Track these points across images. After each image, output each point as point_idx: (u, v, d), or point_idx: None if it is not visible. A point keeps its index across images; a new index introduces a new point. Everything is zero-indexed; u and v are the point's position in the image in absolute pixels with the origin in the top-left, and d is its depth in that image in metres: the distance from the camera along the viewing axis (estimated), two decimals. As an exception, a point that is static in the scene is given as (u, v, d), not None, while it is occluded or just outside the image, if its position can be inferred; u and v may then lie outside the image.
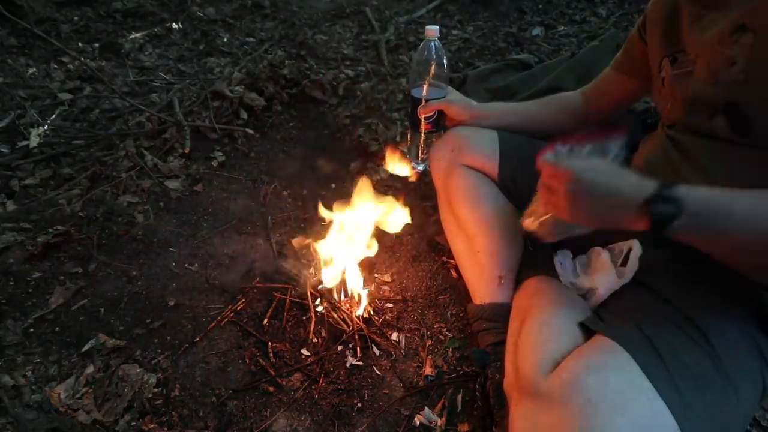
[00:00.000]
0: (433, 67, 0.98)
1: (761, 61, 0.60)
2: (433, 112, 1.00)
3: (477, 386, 0.90)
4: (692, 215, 0.54)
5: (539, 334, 0.71)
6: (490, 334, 0.91)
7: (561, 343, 0.67)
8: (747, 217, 0.54)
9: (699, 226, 0.55)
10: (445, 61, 0.98)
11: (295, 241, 1.26)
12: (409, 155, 1.12)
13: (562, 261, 0.86)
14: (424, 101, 0.99)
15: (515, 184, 0.97)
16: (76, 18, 2.71)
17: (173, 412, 0.88)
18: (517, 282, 0.94)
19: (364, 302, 1.06)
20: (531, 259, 0.97)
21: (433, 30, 0.95)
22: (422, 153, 1.08)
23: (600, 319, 0.70)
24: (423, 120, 1.01)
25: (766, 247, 0.55)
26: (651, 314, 0.66)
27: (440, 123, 1.03)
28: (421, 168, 1.13)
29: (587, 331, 0.69)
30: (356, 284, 1.07)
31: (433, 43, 0.96)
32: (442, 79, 1.00)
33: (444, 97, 1.01)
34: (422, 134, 1.03)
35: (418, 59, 0.98)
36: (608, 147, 0.68)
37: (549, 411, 0.57)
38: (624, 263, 0.74)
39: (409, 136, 1.09)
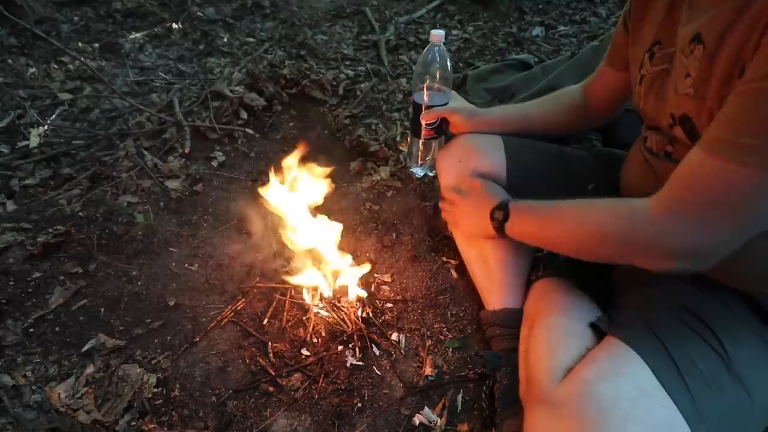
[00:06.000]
0: (437, 72, 0.96)
1: (705, 78, 0.57)
2: (435, 119, 0.98)
3: (485, 387, 0.90)
4: (514, 217, 0.78)
5: (547, 339, 0.70)
6: (503, 340, 0.91)
7: (570, 347, 0.66)
8: (550, 214, 0.72)
9: (519, 227, 0.79)
10: (449, 67, 0.96)
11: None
12: (408, 159, 1.10)
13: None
14: (425, 107, 0.97)
15: (525, 191, 0.94)
16: (76, 18, 2.71)
17: (173, 412, 0.88)
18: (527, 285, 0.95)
19: (364, 302, 1.06)
20: (539, 262, 0.97)
21: (438, 35, 0.93)
22: (421, 158, 1.07)
23: (610, 320, 0.70)
24: (424, 126, 0.99)
25: (574, 244, 0.70)
26: (663, 314, 0.65)
27: (442, 129, 1.02)
28: (420, 173, 1.12)
29: (598, 332, 0.68)
30: (356, 285, 1.07)
31: (437, 48, 0.94)
32: (445, 85, 0.99)
33: (447, 103, 0.99)
34: (422, 139, 1.02)
35: (421, 64, 0.96)
36: None
37: (561, 421, 0.56)
38: None
39: (408, 140, 1.07)
